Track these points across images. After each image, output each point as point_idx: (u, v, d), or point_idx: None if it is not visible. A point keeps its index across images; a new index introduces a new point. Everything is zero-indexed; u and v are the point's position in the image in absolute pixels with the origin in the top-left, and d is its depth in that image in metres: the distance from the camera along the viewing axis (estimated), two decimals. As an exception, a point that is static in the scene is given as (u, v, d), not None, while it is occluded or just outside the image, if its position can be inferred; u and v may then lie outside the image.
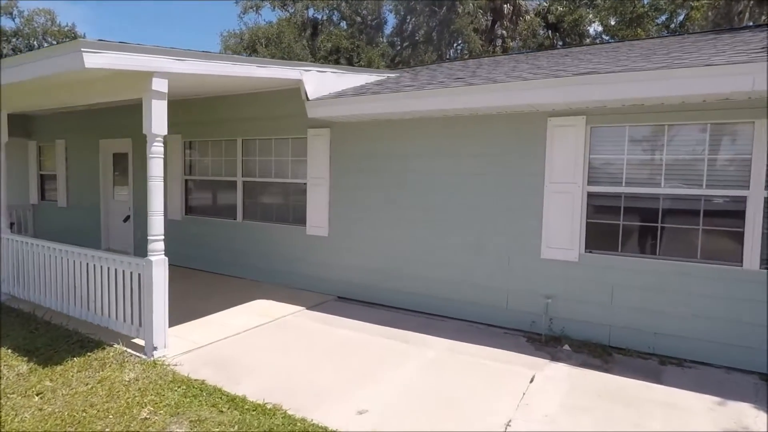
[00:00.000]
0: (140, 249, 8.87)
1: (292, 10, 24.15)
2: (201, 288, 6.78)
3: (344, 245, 6.41)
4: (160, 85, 4.06)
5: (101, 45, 3.62)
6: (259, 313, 5.64)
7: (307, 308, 5.95)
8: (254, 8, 24.66)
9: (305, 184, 6.68)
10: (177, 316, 5.39)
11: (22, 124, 10.89)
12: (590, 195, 4.84)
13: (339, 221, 6.44)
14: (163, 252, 4.27)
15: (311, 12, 24.23)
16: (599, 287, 4.80)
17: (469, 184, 5.45)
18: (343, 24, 24.50)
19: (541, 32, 24.30)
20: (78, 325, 5.01)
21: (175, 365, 4.15)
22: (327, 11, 24.17)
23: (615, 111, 4.63)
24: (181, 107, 8.01)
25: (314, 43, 22.84)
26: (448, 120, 5.52)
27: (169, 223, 8.71)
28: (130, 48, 3.81)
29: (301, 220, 6.79)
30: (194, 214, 8.13)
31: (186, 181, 8.17)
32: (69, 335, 4.81)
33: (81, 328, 4.93)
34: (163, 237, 4.27)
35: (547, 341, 4.89)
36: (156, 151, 4.14)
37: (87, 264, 4.90)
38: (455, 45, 23.70)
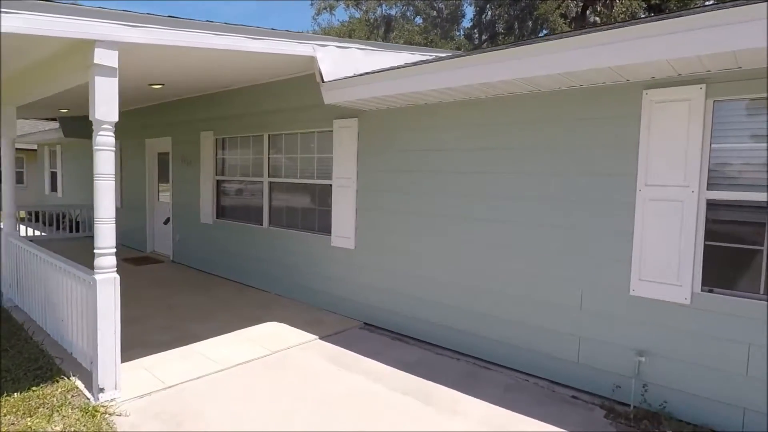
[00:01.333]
0: (178, 253, 8.38)
1: (365, 8, 23.50)
2: (213, 302, 5.98)
3: (372, 262, 5.23)
4: (106, 57, 3.18)
5: (17, 4, 2.80)
6: (261, 342, 4.65)
7: (322, 338, 4.85)
8: (328, 9, 24.39)
9: (331, 186, 5.61)
10: (165, 340, 4.57)
11: (86, 125, 11.08)
12: (711, 205, 3.20)
13: (367, 232, 5.27)
14: (114, 269, 3.39)
15: (384, 8, 23.40)
16: (724, 346, 3.14)
17: (532, 190, 4.01)
18: (418, 19, 23.37)
19: (642, 15, 21.23)
20: (52, 346, 4.36)
21: (119, 415, 3.24)
22: (401, 6, 23.19)
23: (756, 74, 2.97)
24: (213, 101, 7.35)
25: (386, 40, 21.95)
26: (503, 103, 4.12)
27: (201, 228, 8.21)
28: (61, 9, 2.97)
29: (327, 228, 5.73)
30: (225, 218, 7.42)
31: (218, 182, 7.49)
32: (37, 358, 4.14)
33: (53, 350, 4.26)
34: (113, 251, 3.39)
35: (638, 419, 3.32)
36: (103, 142, 3.27)
37: (58, 275, 4.22)
38: (539, 34, 21.49)
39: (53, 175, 14.04)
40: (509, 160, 4.11)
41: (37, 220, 13.37)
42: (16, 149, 18.81)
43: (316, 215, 5.98)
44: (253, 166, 6.87)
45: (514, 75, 3.48)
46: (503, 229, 4.15)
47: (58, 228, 11.51)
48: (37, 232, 11.46)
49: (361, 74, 4.37)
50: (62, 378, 3.72)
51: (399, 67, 4.11)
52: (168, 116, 8.45)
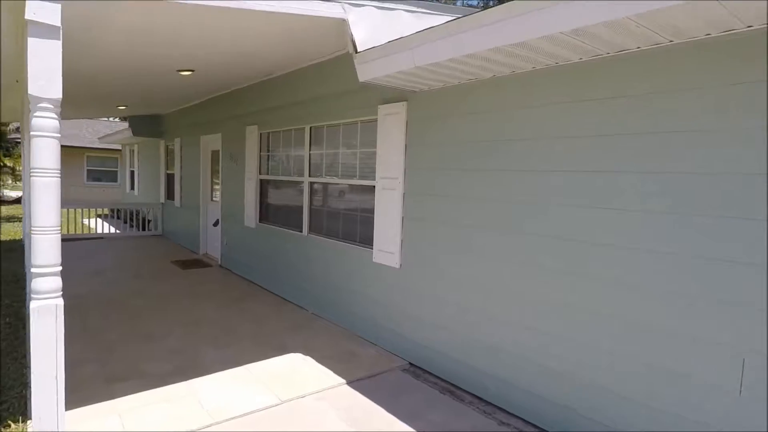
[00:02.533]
0: (225, 258, 7.80)
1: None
2: (242, 320, 5.16)
3: (422, 286, 4.06)
4: (42, 12, 2.36)
5: None
6: (274, 383, 3.68)
7: (350, 382, 3.78)
8: None
9: (374, 187, 4.53)
10: (165, 371, 3.75)
11: (155, 123, 11.09)
12: None
13: (416, 248, 4.11)
14: (56, 294, 2.57)
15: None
16: None
17: (656, 198, 2.62)
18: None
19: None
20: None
21: (47, 495, 2.41)
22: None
23: None
24: (257, 92, 6.60)
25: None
26: (631, 63, 2.76)
27: (245, 231, 7.29)
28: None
29: (368, 240, 4.65)
30: (267, 221, 6.64)
31: (261, 181, 6.74)
32: (12, 387, 3.52)
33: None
34: (56, 270, 2.58)
35: None
36: (40, 126, 2.46)
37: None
38: None
39: (132, 174, 14.50)
40: (632, 157, 2.73)
41: (118, 217, 13.84)
42: (108, 149, 19.68)
43: (357, 223, 4.93)
44: (294, 164, 6.00)
45: (581, 22, 2.14)
46: (629, 259, 2.77)
47: (131, 225, 11.69)
48: (113, 229, 11.70)
49: (402, 37, 3.22)
50: (17, 422, 3.01)
51: (457, 18, 2.90)
52: (217, 111, 7.91)
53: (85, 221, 13.11)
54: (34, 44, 2.38)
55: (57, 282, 2.58)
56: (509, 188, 3.32)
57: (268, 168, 6.63)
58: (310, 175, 5.61)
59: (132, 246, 9.86)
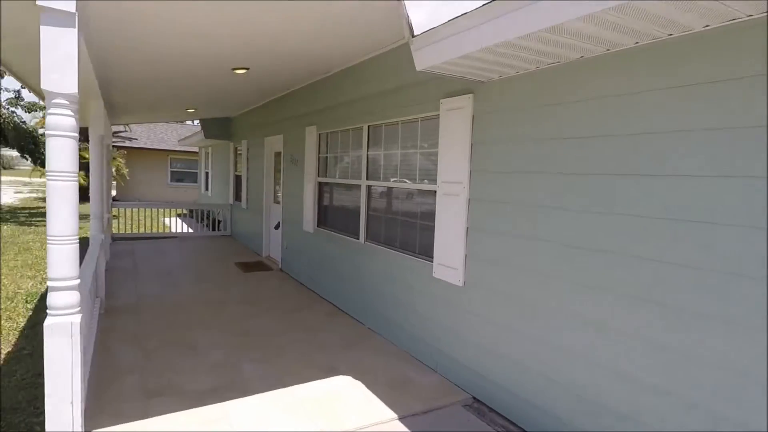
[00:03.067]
0: (286, 262, 7.64)
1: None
2: (293, 331, 4.84)
3: (489, 310, 3.47)
4: (56, -4, 2.11)
5: None
6: (315, 414, 3.28)
7: (402, 418, 3.28)
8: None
9: (435, 192, 3.99)
10: (202, 389, 3.47)
11: (225, 126, 11.30)
12: None
13: (483, 264, 3.52)
14: (74, 310, 2.32)
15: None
16: None
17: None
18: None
19: None
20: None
21: None
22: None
23: None
24: (315, 91, 6.33)
25: None
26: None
27: (303, 236, 7.00)
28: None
29: (429, 251, 4.12)
30: (325, 226, 6.33)
31: (320, 184, 6.44)
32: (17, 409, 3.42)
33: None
34: (73, 284, 2.33)
35: None
36: (56, 124, 2.21)
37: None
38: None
39: (206, 176, 15.05)
40: None
41: (193, 216, 14.40)
42: (188, 152, 20.63)
43: (417, 231, 4.42)
44: (352, 166, 5.62)
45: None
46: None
47: (205, 225, 12.04)
48: (187, 229, 12.13)
49: (465, 14, 2.66)
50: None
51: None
52: (279, 112, 7.76)
53: (166, 220, 13.79)
54: (46, 33, 2.13)
55: (74, 297, 2.33)
56: (610, 197, 2.64)
57: (326, 170, 6.32)
58: (367, 178, 5.19)
59: (201, 246, 10.08)
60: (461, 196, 3.64)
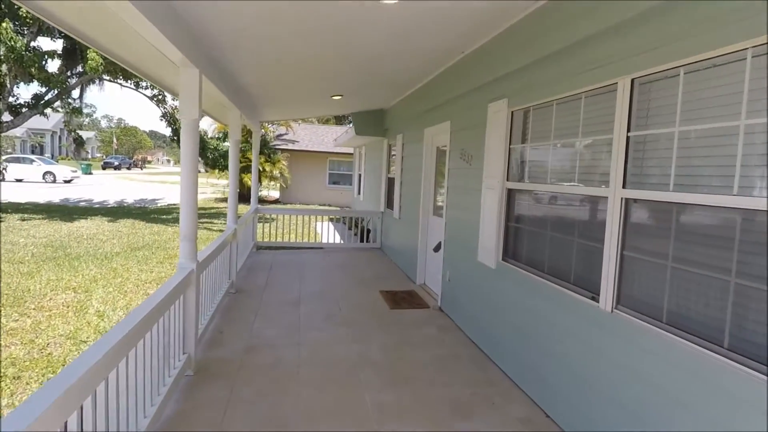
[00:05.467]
0: (447, 299, 5.45)
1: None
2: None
3: None
4: None
5: None
6: None
7: None
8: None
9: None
10: None
11: (377, 120, 9.63)
12: None
13: None
14: None
15: None
16: None
17: None
18: None
19: None
20: None
21: None
22: None
23: None
24: (506, 42, 3.96)
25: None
26: None
27: (478, 269, 4.27)
28: None
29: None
30: (517, 261, 3.89)
31: (509, 193, 4.03)
32: None
33: None
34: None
35: None
36: None
37: None
38: None
39: (359, 178, 13.76)
40: None
41: (344, 222, 13.20)
42: (344, 153, 19.73)
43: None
44: (580, 161, 3.08)
45: None
46: None
47: (354, 233, 10.63)
48: (337, 237, 10.82)
49: None
50: None
51: None
52: (446, 88, 5.53)
53: (318, 225, 12.83)
54: None
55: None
56: None
57: (522, 170, 3.89)
58: (625, 185, 2.60)
59: (346, 262, 8.49)
60: None
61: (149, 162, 79.39)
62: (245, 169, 17.24)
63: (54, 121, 53.00)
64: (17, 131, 51.53)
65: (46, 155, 44.44)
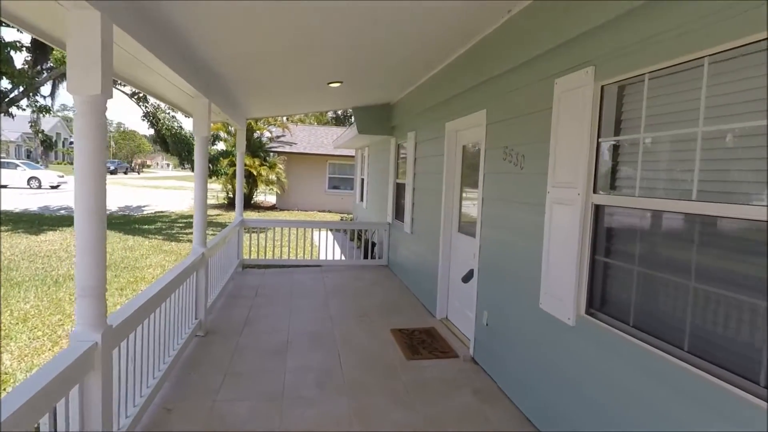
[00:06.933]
0: (484, 350, 4.08)
1: None
2: None
3: None
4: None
5: None
6: None
7: None
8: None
9: None
10: None
11: (383, 115, 8.26)
12: None
13: None
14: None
15: None
16: None
17: None
18: None
19: None
20: None
21: None
22: None
23: None
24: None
25: None
26: None
27: (541, 321, 2.34)
28: None
29: None
30: (608, 312, 2.51)
31: (596, 210, 2.64)
32: None
33: None
34: None
35: None
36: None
37: None
38: None
39: (362, 183, 12.38)
40: None
41: (345, 232, 11.82)
42: (345, 156, 17.92)
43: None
44: (722, 164, 1.70)
45: None
46: None
47: (357, 246, 9.26)
48: (337, 251, 9.43)
49: None
50: None
51: None
52: (479, 66, 4.14)
53: (315, 236, 11.45)
54: None
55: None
56: None
57: (614, 176, 2.51)
58: None
59: (347, 284, 7.11)
60: None
61: (148, 166, 78.12)
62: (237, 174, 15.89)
63: (50, 124, 51.62)
64: (12, 135, 49.99)
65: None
